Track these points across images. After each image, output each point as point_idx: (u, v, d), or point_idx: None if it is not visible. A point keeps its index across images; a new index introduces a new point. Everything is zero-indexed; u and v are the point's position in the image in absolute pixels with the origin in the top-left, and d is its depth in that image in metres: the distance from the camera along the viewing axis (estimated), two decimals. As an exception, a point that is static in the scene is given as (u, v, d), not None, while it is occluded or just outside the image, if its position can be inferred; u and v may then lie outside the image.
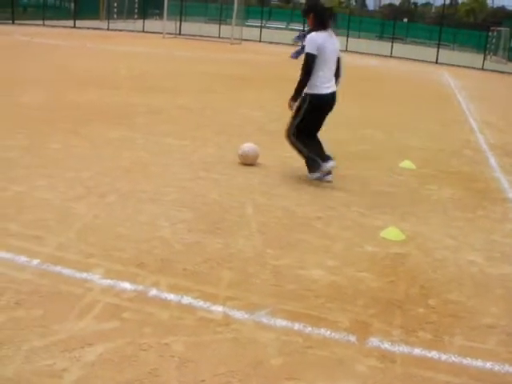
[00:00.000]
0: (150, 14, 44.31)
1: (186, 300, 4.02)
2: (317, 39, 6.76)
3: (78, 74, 15.12)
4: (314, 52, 6.74)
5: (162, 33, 33.12)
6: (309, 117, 6.95)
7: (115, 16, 42.78)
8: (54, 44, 24.56)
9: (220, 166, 7.43)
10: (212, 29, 35.79)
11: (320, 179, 7.11)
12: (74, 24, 37.60)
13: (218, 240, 5.11)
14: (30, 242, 4.73)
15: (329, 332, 3.81)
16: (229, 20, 39.47)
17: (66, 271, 4.28)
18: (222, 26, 38.99)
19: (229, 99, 13.19)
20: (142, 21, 39.40)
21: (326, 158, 6.97)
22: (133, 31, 35.96)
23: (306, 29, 26.90)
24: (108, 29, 37.40)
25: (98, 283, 4.15)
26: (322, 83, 6.86)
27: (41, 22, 38.87)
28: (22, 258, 4.43)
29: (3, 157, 7.12)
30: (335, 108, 7.09)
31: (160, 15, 42.42)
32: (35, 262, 4.39)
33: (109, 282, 4.17)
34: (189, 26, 36.70)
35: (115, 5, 44.40)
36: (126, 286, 4.13)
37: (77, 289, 4.05)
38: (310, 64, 6.74)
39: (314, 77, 6.81)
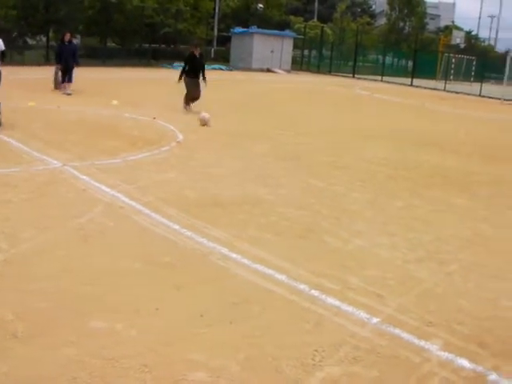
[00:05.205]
0: (486, 77, 43.21)
1: (529, 393, 3.70)
2: None
3: (416, 133, 15.36)
4: None
5: (499, 98, 31.96)
6: None
7: (451, 77, 42.70)
8: (391, 100, 25.31)
9: None
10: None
11: None
12: (411, 82, 38.72)
13: None
14: (371, 298, 4.81)
15: None
16: None
17: (405, 335, 4.25)
18: None
19: None
20: (478, 84, 38.57)
21: None
22: (469, 94, 35.35)
23: None
24: (444, 90, 37.47)
25: (435, 354, 4.03)
26: None
27: (379, 77, 40.81)
28: (363, 314, 4.52)
29: (349, 209, 7.45)
30: None
31: (496, 79, 41.36)
32: (375, 320, 4.44)
33: (447, 355, 4.02)
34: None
35: (452, 66, 44.40)
36: (465, 363, 3.94)
37: (414, 356, 3.98)
38: None
39: None
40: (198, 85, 15.96)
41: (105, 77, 23.16)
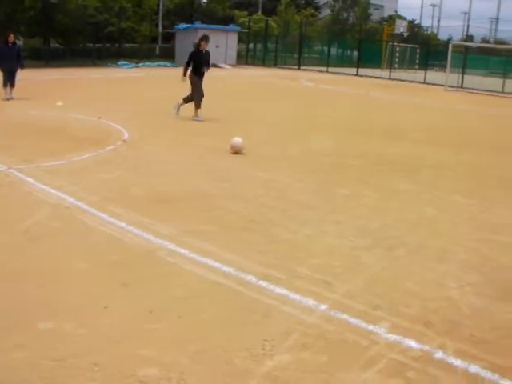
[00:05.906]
0: (431, 65, 44.06)
1: (474, 369, 3.80)
2: None
3: (362, 122, 15.60)
4: None
5: (443, 85, 32.51)
6: None
7: (396, 66, 43.42)
8: (336, 90, 25.52)
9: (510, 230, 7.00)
10: (495, 83, 34.04)
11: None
12: (357, 72, 39.70)
13: (508, 309, 4.79)
14: (319, 286, 4.87)
15: None
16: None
17: (353, 320, 4.33)
18: (507, 80, 36.37)
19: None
20: (422, 72, 39.25)
21: None
22: (413, 82, 35.95)
23: None
24: (389, 78, 38.09)
25: (383, 337, 4.12)
26: None
27: (325, 68, 41.21)
28: (310, 302, 4.58)
29: (295, 199, 7.51)
30: None
31: (440, 67, 42.19)
32: (323, 306, 4.50)
33: (395, 337, 4.12)
34: (470, 79, 35.26)
35: (397, 55, 45.16)
36: (412, 344, 4.04)
37: (362, 340, 4.06)
38: None
39: None
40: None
41: (49, 78, 22.76)
